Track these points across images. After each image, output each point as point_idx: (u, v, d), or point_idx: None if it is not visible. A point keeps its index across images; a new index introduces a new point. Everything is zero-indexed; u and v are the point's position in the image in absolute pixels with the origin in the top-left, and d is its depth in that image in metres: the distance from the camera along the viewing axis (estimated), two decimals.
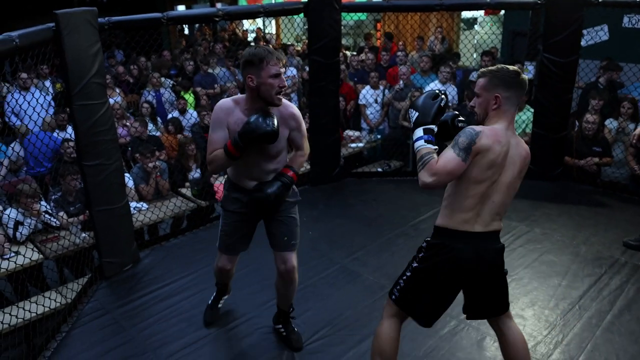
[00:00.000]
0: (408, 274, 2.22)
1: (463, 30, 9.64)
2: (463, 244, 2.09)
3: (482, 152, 2.02)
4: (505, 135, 2.07)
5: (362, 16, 10.29)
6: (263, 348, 2.87)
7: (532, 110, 5.06)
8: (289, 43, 9.67)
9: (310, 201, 4.74)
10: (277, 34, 12.24)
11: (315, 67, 4.80)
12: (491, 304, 2.25)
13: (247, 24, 12.59)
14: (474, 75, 6.69)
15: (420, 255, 2.19)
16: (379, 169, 5.72)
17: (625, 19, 5.94)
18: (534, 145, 5.00)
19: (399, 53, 6.79)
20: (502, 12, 8.85)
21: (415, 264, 2.20)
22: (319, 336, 2.96)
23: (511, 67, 2.12)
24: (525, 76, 2.13)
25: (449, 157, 2.02)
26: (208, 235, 4.23)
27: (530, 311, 3.10)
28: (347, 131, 6.15)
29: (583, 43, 5.06)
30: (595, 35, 5.42)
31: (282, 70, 2.34)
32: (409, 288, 2.21)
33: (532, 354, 2.74)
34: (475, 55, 8.38)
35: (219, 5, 9.43)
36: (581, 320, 2.99)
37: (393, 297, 2.26)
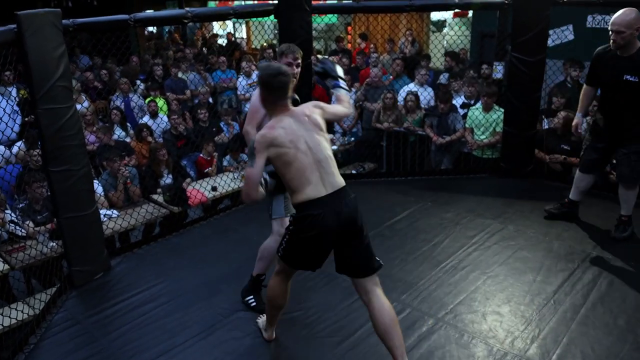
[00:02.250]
0: (286, 237, 2.47)
1: (432, 32, 9.73)
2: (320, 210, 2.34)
3: (276, 146, 2.35)
4: (280, 121, 2.40)
5: (333, 19, 10.31)
6: (239, 355, 2.81)
7: (502, 110, 5.12)
8: (259, 47, 9.64)
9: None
10: (248, 38, 12.16)
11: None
12: (358, 257, 2.47)
13: (217, 28, 12.48)
14: (444, 77, 6.76)
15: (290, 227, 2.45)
16: (353, 171, 5.72)
17: (589, 19, 6.10)
18: (505, 143, 5.07)
19: (372, 55, 6.81)
20: (471, 14, 8.97)
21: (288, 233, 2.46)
22: (298, 340, 2.91)
23: (273, 68, 2.43)
24: (284, 77, 2.40)
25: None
26: (181, 242, 4.15)
27: (507, 307, 3.11)
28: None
29: (549, 43, 5.16)
30: (561, 34, 5.54)
31: (297, 62, 2.96)
32: (289, 249, 2.49)
33: (510, 350, 2.76)
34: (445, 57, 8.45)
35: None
36: (556, 314, 3.02)
37: (279, 254, 2.54)
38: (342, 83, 2.82)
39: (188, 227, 4.41)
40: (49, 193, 3.61)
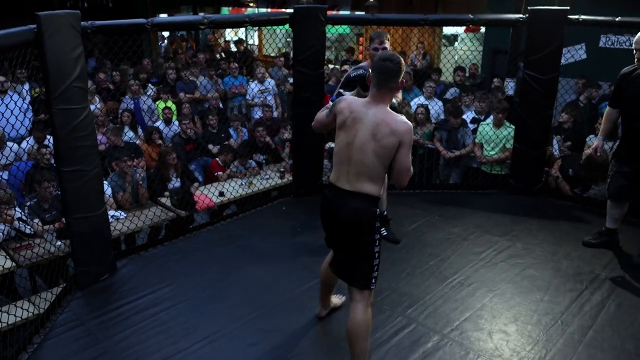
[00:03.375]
0: None
1: (444, 46, 9.76)
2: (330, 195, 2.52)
3: (338, 113, 2.48)
4: (361, 105, 2.44)
5: (346, 30, 10.34)
6: None
7: (513, 126, 5.11)
8: (273, 55, 9.69)
9: (293, 213, 4.69)
10: (260, 46, 12.22)
11: (300, 78, 4.77)
12: (344, 264, 2.59)
13: (228, 35, 12.55)
14: (452, 92, 6.76)
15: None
16: None
17: (602, 39, 6.10)
18: (515, 160, 5.05)
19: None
20: (483, 29, 8.99)
21: None
22: (302, 351, 2.89)
23: (386, 54, 2.47)
24: (390, 63, 2.39)
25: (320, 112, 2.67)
26: (187, 246, 4.14)
27: (513, 327, 3.09)
28: (329, 143, 6.13)
29: (563, 61, 5.16)
30: (575, 53, 5.54)
31: (383, 45, 3.50)
32: None
33: None
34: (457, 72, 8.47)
35: (200, 13, 9.38)
36: (564, 335, 2.99)
37: None
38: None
39: (194, 232, 4.40)
40: (58, 192, 3.62)
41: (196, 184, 5.21)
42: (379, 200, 2.47)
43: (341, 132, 2.46)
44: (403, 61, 2.44)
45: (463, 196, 5.10)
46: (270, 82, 7.39)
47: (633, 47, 3.53)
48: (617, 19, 4.43)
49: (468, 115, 5.79)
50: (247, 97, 7.28)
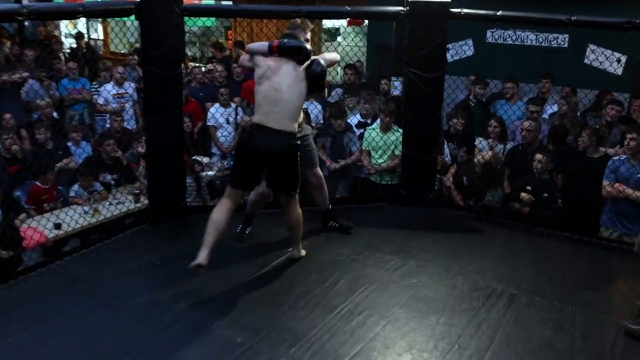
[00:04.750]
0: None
1: (324, 41, 10.05)
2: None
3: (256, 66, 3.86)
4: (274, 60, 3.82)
5: (209, 22, 10.25)
6: None
7: (401, 130, 5.38)
8: (124, 52, 9.33)
9: (150, 243, 4.55)
10: (106, 41, 11.75)
11: (152, 80, 4.65)
12: (277, 182, 3.95)
13: (65, 28, 11.90)
14: (337, 93, 6.97)
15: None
16: None
17: (488, 34, 6.65)
18: (405, 168, 5.32)
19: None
20: (366, 22, 9.40)
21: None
22: None
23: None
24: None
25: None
26: (11, 295, 3.80)
27: (408, 356, 3.21)
28: (194, 157, 6.03)
29: (448, 58, 5.55)
30: (460, 50, 5.97)
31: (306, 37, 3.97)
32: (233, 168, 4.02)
33: None
34: (339, 70, 8.75)
35: (25, 1, 8.74)
36: None
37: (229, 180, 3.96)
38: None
39: (21, 277, 4.08)
40: None
41: (23, 216, 4.84)
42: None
43: (263, 81, 3.77)
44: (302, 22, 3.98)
45: (351, 211, 5.24)
46: (130, 86, 7.15)
47: None
48: (498, 13, 4.86)
49: (353, 120, 6.00)
50: (99, 101, 6.96)
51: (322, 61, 3.88)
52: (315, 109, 6.12)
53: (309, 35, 4.00)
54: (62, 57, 8.64)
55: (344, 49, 9.20)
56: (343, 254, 4.38)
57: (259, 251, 4.39)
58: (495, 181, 5.29)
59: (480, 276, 4.09)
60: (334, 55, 4.19)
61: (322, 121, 6.31)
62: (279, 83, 3.74)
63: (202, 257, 3.66)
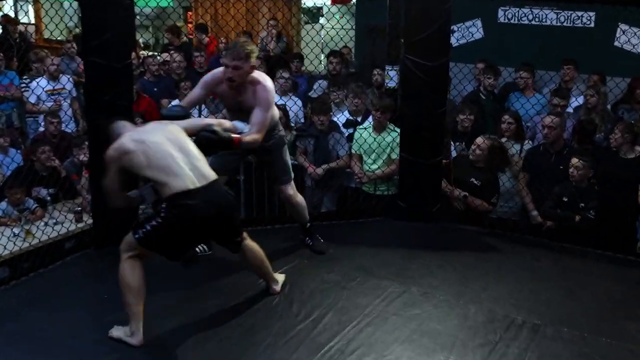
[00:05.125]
0: (154, 222, 3.48)
1: (305, 23, 10.06)
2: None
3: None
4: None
5: (164, 2, 10.22)
6: None
7: (398, 130, 5.38)
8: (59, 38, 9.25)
9: (96, 273, 4.51)
10: (38, 26, 11.66)
11: (95, 72, 4.61)
12: (228, 237, 3.86)
13: None
14: (320, 86, 6.97)
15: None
16: None
17: (500, 13, 6.71)
18: (404, 175, 5.31)
19: (225, 53, 6.82)
20: (354, 0, 9.43)
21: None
22: None
23: None
24: None
25: None
26: None
27: None
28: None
29: (453, 42, 5.58)
30: (467, 32, 6.02)
31: (232, 63, 3.98)
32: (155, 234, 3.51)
33: None
34: (323, 57, 8.76)
35: None
36: None
37: (137, 236, 3.52)
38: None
39: None
40: None
41: None
42: None
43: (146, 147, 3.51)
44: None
45: (340, 228, 5.25)
46: (68, 80, 7.10)
47: None
48: None
49: (340, 118, 5.99)
50: (31, 99, 6.89)
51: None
52: (294, 105, 6.12)
53: (254, 61, 4.08)
54: None
55: (327, 32, 9.24)
56: (331, 281, 4.35)
57: (227, 278, 4.36)
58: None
59: (497, 304, 4.08)
60: (252, 137, 4.03)
61: (302, 120, 6.31)
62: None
63: (139, 335, 3.56)
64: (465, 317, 3.93)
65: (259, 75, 4.18)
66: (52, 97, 6.93)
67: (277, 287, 4.19)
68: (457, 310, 4.01)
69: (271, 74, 6.61)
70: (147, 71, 7.14)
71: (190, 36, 10.05)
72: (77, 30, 9.92)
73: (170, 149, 3.51)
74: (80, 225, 5.12)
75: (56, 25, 5.67)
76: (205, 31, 8.74)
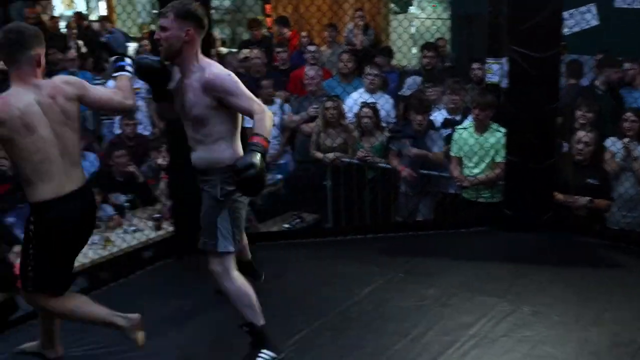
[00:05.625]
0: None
1: (394, 14, 10.02)
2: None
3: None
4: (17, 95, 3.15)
5: None
6: None
7: (503, 130, 5.28)
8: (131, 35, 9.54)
9: (178, 284, 4.60)
10: (112, 20, 12.04)
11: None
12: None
13: (60, 6, 12.28)
14: (414, 82, 6.92)
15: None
16: (285, 226, 5.72)
17: None
18: (510, 180, 5.20)
19: (310, 48, 6.88)
20: None
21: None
22: None
23: None
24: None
25: None
26: (5, 348, 3.88)
27: None
28: None
29: (565, 31, 5.43)
30: (581, 19, 5.85)
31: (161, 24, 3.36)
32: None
33: None
34: (414, 50, 8.72)
35: None
36: None
37: (30, 288, 3.31)
38: (128, 65, 3.53)
39: (17, 326, 4.19)
40: None
41: (17, 248, 4.96)
42: None
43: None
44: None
45: (438, 239, 5.19)
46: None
47: None
48: None
49: (437, 117, 5.94)
50: None
51: None
52: (386, 103, 6.10)
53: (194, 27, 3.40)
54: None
55: (422, 23, 9.20)
56: (430, 297, 4.30)
57: (318, 291, 4.39)
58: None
59: (622, 327, 3.91)
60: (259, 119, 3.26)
61: (394, 119, 6.29)
62: None
63: None
64: (585, 340, 3.80)
65: (207, 61, 3.46)
66: None
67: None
68: (575, 333, 3.88)
69: (359, 70, 6.67)
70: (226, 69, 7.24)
71: (270, 30, 10.16)
72: (152, 26, 10.26)
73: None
74: (159, 233, 5.25)
75: (133, 21, 5.86)
76: (286, 24, 8.81)
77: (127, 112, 3.64)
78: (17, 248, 4.95)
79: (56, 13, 11.94)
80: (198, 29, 3.34)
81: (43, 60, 3.21)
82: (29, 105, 3.10)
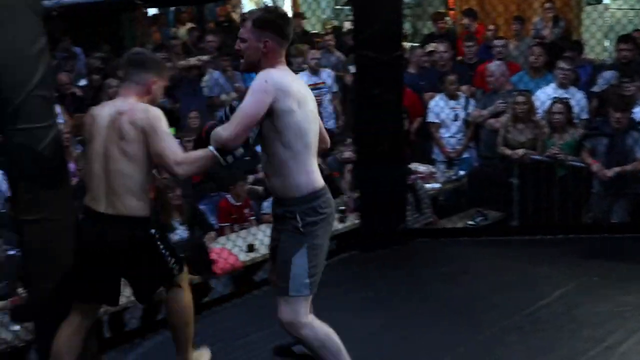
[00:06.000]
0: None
1: (586, 4, 9.65)
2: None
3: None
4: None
5: None
6: None
7: None
8: (314, 31, 9.81)
9: (362, 276, 4.68)
10: (297, 17, 12.40)
11: (364, 66, 4.82)
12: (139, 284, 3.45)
13: (248, 4, 12.80)
14: (607, 77, 6.65)
15: None
16: (469, 223, 5.71)
17: None
18: None
19: (496, 42, 6.79)
20: None
21: None
22: None
23: None
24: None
25: None
26: (199, 332, 4.10)
27: None
28: (412, 164, 6.12)
29: None
30: None
31: (241, 36, 3.11)
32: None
33: None
34: (607, 43, 8.37)
35: None
36: None
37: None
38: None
39: (212, 308, 4.42)
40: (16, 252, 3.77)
41: (212, 234, 5.25)
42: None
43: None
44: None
45: (636, 243, 5.01)
46: (327, 75, 7.50)
47: None
48: None
49: (637, 114, 5.69)
50: None
51: None
52: (582, 99, 5.91)
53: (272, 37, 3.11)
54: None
55: (613, 14, 8.79)
56: (629, 304, 4.15)
57: (505, 290, 4.35)
58: None
59: None
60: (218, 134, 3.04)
61: (587, 116, 6.09)
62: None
63: None
64: None
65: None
66: (313, 92, 7.30)
67: None
68: None
69: (550, 64, 6.49)
70: (410, 64, 7.27)
71: (454, 23, 10.08)
72: (335, 22, 10.49)
73: (97, 150, 3.31)
74: (345, 224, 5.35)
75: (317, 17, 6.00)
76: (474, 17, 8.69)
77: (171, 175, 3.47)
78: (212, 234, 5.28)
79: (245, 10, 12.52)
80: (278, 39, 3.02)
81: (156, 90, 3.31)
82: (101, 116, 3.21)
